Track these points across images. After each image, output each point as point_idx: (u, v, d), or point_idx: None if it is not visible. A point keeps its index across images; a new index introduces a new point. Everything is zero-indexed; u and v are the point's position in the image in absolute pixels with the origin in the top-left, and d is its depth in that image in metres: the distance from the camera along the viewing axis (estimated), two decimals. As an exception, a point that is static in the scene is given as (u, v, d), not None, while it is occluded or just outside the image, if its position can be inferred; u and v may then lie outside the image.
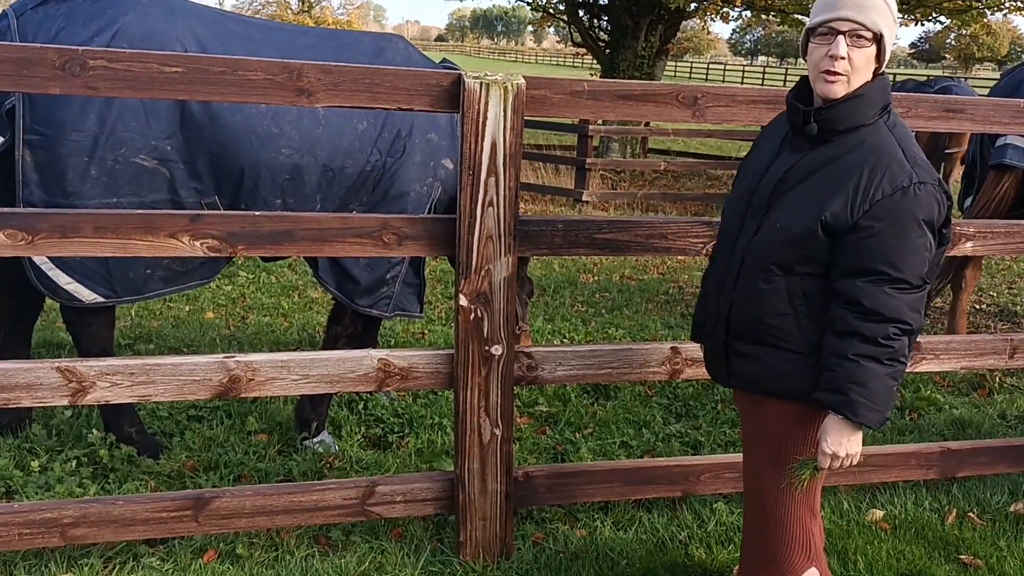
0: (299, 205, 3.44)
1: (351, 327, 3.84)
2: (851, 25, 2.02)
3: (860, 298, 2.01)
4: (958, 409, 4.55)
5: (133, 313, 5.50)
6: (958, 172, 9.17)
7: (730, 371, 2.30)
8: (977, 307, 6.88)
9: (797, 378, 2.16)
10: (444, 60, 4.06)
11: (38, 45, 2.39)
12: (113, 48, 2.95)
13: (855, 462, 2.13)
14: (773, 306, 2.14)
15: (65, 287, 3.18)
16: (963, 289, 5.38)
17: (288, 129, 3.35)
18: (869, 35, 2.02)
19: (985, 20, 13.84)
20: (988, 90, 6.24)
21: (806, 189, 2.09)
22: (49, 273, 3.14)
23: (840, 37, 2.02)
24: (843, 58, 2.02)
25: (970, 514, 3.45)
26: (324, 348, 3.92)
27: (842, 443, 2.09)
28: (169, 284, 3.39)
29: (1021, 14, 12.22)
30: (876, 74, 2.11)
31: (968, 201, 5.44)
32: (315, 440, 3.79)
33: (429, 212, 3.63)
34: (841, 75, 2.04)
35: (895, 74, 40.66)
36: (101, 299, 3.25)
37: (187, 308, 5.72)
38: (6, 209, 2.43)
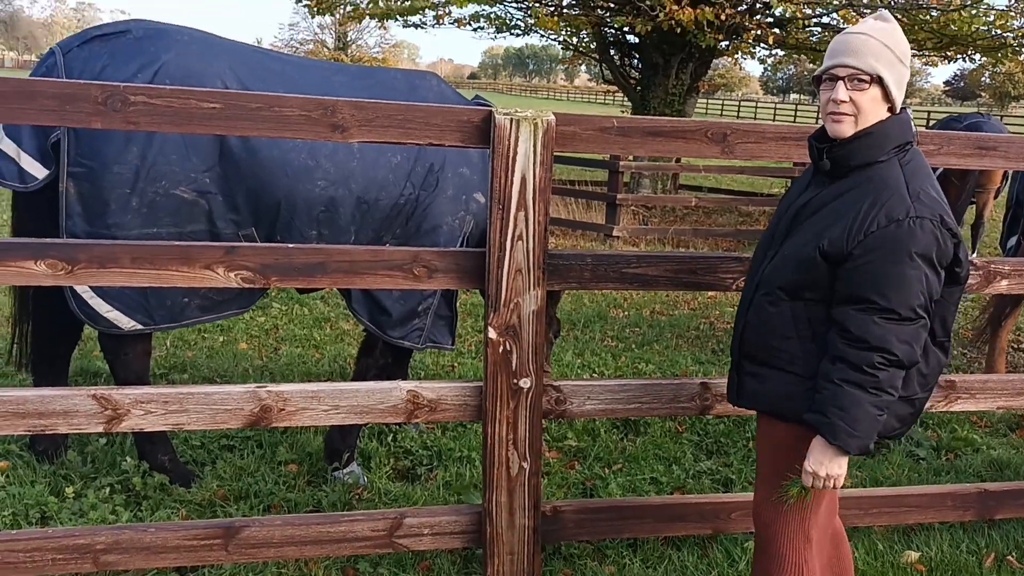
0: (334, 237, 3.50)
1: (382, 359, 3.87)
2: (849, 71, 2.15)
3: (849, 325, 2.10)
4: (996, 450, 4.46)
5: (168, 343, 5.58)
6: (991, 207, 9.11)
7: (740, 390, 2.40)
8: (1015, 347, 6.76)
9: (797, 400, 2.22)
10: (477, 97, 4.11)
11: (82, 81, 2.47)
12: (155, 84, 3.03)
13: (837, 485, 2.18)
14: (779, 329, 2.23)
15: (105, 315, 3.26)
16: (1002, 327, 5.30)
17: (324, 162, 3.42)
18: (867, 78, 2.14)
19: (1020, 59, 13.73)
20: (1020, 127, 6.18)
21: (816, 219, 2.20)
22: (90, 302, 3.22)
23: (840, 83, 2.16)
24: (844, 101, 2.15)
25: (1009, 557, 3.37)
26: (354, 380, 3.95)
27: (823, 463, 2.15)
28: (206, 312, 3.46)
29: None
30: (894, 112, 2.20)
31: (1012, 241, 5.37)
32: (344, 471, 3.81)
33: (461, 245, 3.66)
34: (846, 115, 2.16)
35: (929, 112, 40.39)
36: (139, 326, 3.32)
37: (221, 339, 5.79)
38: (47, 240, 2.49)
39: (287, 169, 3.37)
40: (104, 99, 2.38)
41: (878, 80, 2.13)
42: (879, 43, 2.14)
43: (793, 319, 2.21)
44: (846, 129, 2.16)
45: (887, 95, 2.16)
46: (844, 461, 2.16)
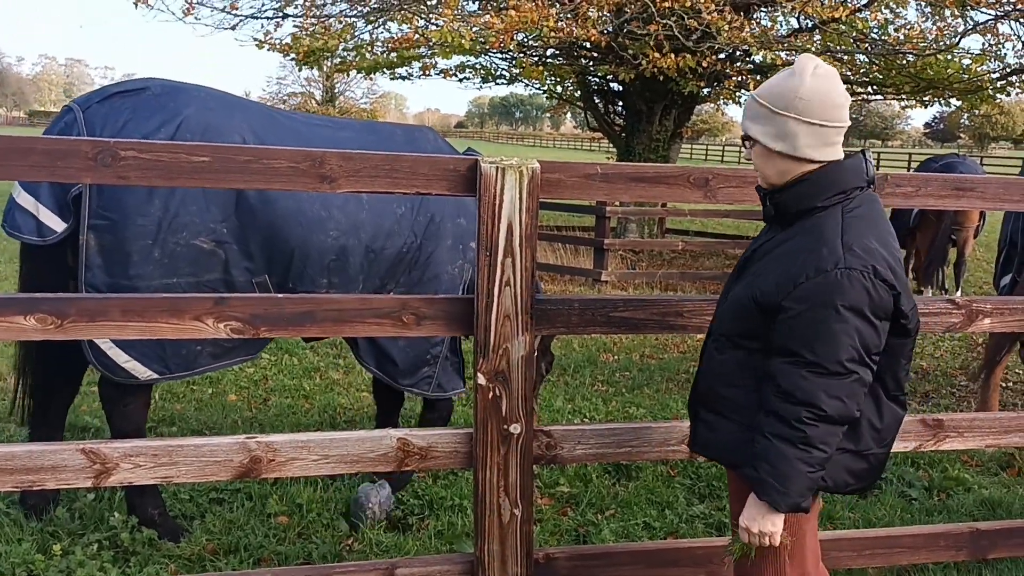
0: (343, 285, 3.62)
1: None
2: (742, 131, 2.25)
3: (779, 378, 2.06)
4: (987, 489, 4.46)
5: (156, 396, 5.54)
6: (972, 245, 9.28)
7: (694, 437, 2.40)
8: (1004, 385, 6.79)
9: (741, 450, 2.19)
10: (469, 149, 4.25)
11: (73, 138, 2.51)
12: (177, 140, 3.13)
13: (773, 543, 2.13)
14: (725, 376, 2.23)
15: (124, 366, 3.30)
16: (998, 363, 5.34)
17: (336, 213, 3.55)
18: (748, 139, 2.21)
19: (997, 102, 13.97)
20: (999, 168, 6.34)
21: (757, 267, 2.21)
22: (109, 352, 3.26)
23: (746, 141, 2.24)
24: (749, 159, 2.24)
25: (1004, 597, 3.35)
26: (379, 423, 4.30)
27: (756, 519, 2.11)
28: (217, 360, 3.52)
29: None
30: (813, 161, 2.13)
31: (1006, 279, 5.44)
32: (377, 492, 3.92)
33: (462, 292, 3.77)
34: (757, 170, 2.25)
35: (910, 154, 40.96)
36: (156, 376, 3.37)
37: (210, 391, 5.77)
38: (36, 295, 2.50)
39: (301, 219, 3.48)
40: (95, 155, 2.41)
41: (753, 139, 2.18)
42: (754, 101, 2.17)
43: (738, 367, 2.19)
44: (762, 181, 2.24)
45: (779, 154, 2.14)
46: (777, 518, 2.10)
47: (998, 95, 12.93)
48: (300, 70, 13.89)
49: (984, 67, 11.61)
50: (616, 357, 7.30)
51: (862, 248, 2.04)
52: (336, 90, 53.31)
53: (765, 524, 2.10)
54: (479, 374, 2.69)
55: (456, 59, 13.16)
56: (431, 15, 11.42)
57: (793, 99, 2.11)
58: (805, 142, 2.11)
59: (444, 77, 13.93)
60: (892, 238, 2.16)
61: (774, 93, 2.14)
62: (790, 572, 2.26)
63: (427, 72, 13.44)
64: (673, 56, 10.52)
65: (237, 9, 12.41)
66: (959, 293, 9.54)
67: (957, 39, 11.30)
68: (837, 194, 2.12)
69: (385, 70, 13.23)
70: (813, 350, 2.01)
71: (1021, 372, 7.14)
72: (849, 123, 2.20)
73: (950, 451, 4.25)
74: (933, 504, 4.29)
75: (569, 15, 10.64)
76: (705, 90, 12.68)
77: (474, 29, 10.53)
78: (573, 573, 3.02)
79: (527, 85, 14.59)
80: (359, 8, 12.32)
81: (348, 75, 15.78)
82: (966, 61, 11.51)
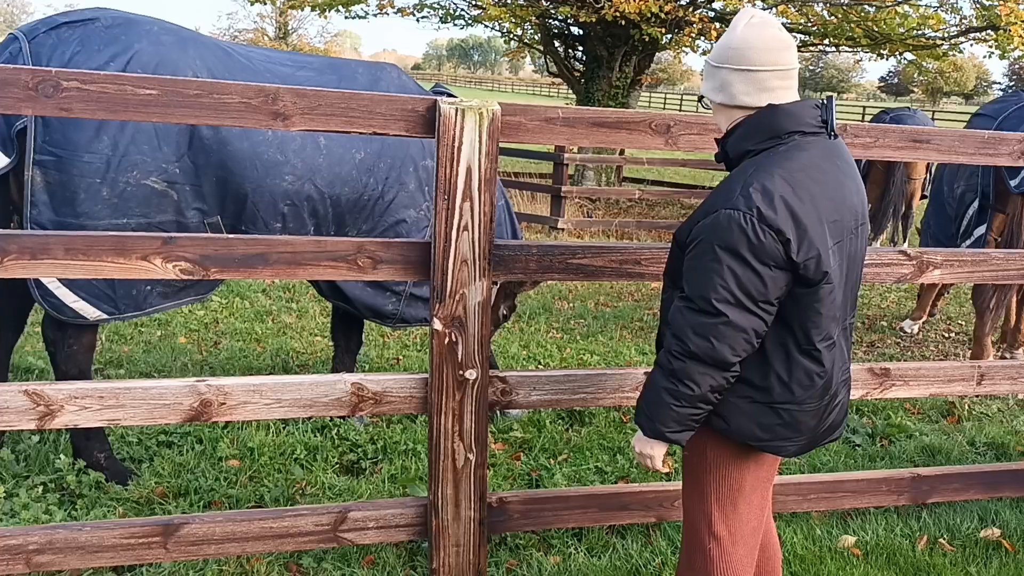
0: (298, 229, 3.58)
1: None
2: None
3: (671, 311, 2.14)
4: (928, 436, 4.60)
5: (104, 337, 5.43)
6: (919, 197, 9.53)
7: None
8: (946, 336, 6.97)
9: None
10: (437, 86, 4.15)
11: (12, 66, 2.37)
12: (128, 72, 3.00)
13: (651, 465, 2.21)
14: (666, 316, 2.26)
15: (72, 305, 3.22)
16: (990, 310, 5.46)
17: (292, 157, 3.48)
18: (702, 97, 2.29)
19: (950, 58, 14.06)
20: (951, 122, 6.38)
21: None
22: (56, 292, 3.17)
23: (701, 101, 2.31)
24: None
25: (941, 540, 3.47)
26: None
27: (636, 441, 2.22)
28: (167, 299, 3.47)
29: (982, 44, 12.29)
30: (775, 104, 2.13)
31: (980, 230, 5.50)
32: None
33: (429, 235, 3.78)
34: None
35: (864, 107, 41.42)
36: (104, 316, 3.31)
37: (159, 333, 5.66)
38: (-25, 231, 2.40)
39: (256, 162, 3.40)
40: (35, 84, 2.29)
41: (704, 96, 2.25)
42: (706, 63, 2.24)
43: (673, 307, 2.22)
44: (718, 133, 2.30)
45: (722, 105, 2.19)
46: (650, 444, 2.16)
47: (952, 52, 13.03)
48: (252, 4, 13.43)
49: (939, 22, 11.66)
50: (571, 304, 7.33)
51: (759, 190, 2.01)
52: (289, 27, 51.88)
53: (642, 445, 2.19)
54: (435, 319, 2.67)
55: (414, -5, 12.85)
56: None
57: (727, 50, 2.15)
58: (739, 89, 2.13)
59: (401, 16, 13.60)
60: (829, 188, 2.07)
61: (715, 50, 2.19)
62: (717, 517, 2.24)
63: (383, 9, 13.10)
64: (635, 0, 10.39)
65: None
66: (906, 244, 9.72)
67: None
68: (771, 138, 2.10)
69: (340, 7, 12.86)
70: (689, 285, 2.08)
71: (963, 323, 7.33)
72: (790, 67, 2.13)
73: (894, 399, 4.36)
74: (876, 450, 4.41)
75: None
76: (666, 36, 12.56)
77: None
78: (526, 516, 3.05)
79: (487, 27, 14.31)
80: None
81: (301, 11, 15.31)
82: (919, 11, 11.55)
